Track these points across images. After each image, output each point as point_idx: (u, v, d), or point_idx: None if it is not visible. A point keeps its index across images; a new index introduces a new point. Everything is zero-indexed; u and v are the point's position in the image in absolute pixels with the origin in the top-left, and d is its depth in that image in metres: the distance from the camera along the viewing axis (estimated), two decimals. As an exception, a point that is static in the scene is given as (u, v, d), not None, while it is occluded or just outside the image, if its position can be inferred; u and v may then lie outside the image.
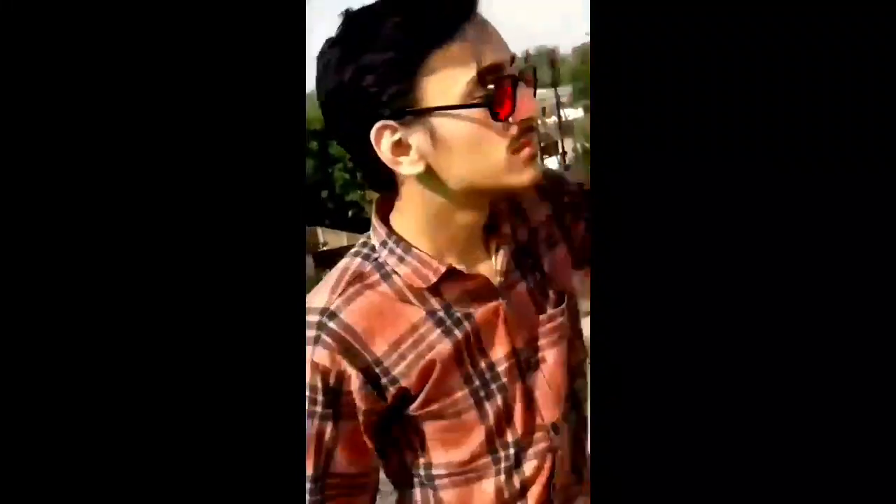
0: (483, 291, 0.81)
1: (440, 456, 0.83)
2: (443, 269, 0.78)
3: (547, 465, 0.85)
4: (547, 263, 0.88)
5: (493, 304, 0.81)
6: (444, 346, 0.79)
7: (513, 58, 0.74)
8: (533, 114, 0.73)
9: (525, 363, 0.84)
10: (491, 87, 0.71)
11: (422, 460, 0.84)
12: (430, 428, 0.82)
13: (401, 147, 0.74)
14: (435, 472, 0.84)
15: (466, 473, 0.84)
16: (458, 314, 0.80)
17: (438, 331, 0.79)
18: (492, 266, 0.83)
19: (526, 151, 0.74)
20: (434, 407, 0.80)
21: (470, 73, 0.71)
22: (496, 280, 0.82)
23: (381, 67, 0.71)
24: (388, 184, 0.79)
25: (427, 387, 0.79)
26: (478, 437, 0.82)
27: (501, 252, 0.83)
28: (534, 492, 0.85)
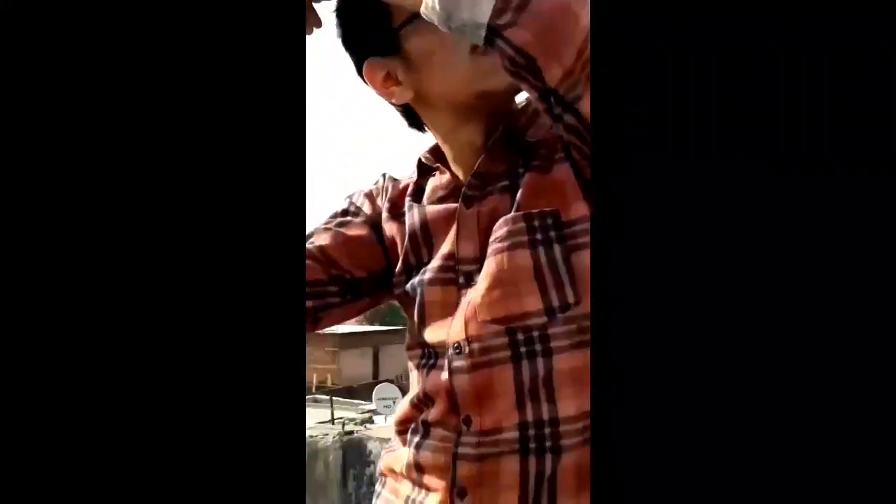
0: (449, 191, 0.83)
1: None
2: (421, 160, 0.85)
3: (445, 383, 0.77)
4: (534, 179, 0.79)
5: (450, 206, 0.81)
6: (390, 227, 0.86)
7: None
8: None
9: (465, 274, 0.78)
10: None
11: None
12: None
13: (390, 80, 0.78)
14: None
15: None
16: (416, 207, 0.84)
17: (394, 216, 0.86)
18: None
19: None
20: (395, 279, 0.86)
21: None
22: (468, 181, 0.81)
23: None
24: (410, 116, 0.84)
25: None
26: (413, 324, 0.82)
27: (484, 156, 0.80)
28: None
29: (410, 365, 0.83)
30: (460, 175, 0.83)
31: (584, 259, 0.72)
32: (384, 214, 0.89)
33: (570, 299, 0.72)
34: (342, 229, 0.90)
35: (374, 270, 0.88)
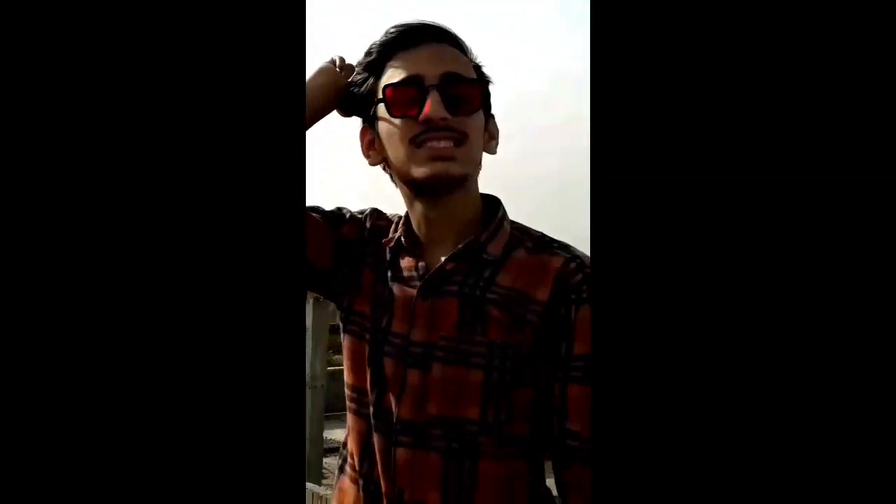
0: (416, 275, 0.91)
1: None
2: (396, 238, 0.94)
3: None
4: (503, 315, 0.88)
5: (410, 291, 0.90)
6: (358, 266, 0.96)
7: (446, 74, 0.86)
8: (431, 115, 0.84)
9: (412, 357, 0.88)
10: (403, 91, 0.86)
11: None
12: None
13: (373, 145, 0.94)
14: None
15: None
16: (391, 283, 0.93)
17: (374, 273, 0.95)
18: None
19: (426, 147, 0.85)
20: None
21: (392, 80, 0.88)
22: (429, 278, 0.90)
23: (361, 73, 0.94)
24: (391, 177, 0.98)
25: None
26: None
27: (448, 259, 0.90)
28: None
29: (348, 401, 0.95)
30: (420, 236, 0.94)
31: (526, 394, 0.86)
32: (357, 246, 0.98)
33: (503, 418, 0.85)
34: (320, 216, 0.99)
35: (316, 265, 0.96)
